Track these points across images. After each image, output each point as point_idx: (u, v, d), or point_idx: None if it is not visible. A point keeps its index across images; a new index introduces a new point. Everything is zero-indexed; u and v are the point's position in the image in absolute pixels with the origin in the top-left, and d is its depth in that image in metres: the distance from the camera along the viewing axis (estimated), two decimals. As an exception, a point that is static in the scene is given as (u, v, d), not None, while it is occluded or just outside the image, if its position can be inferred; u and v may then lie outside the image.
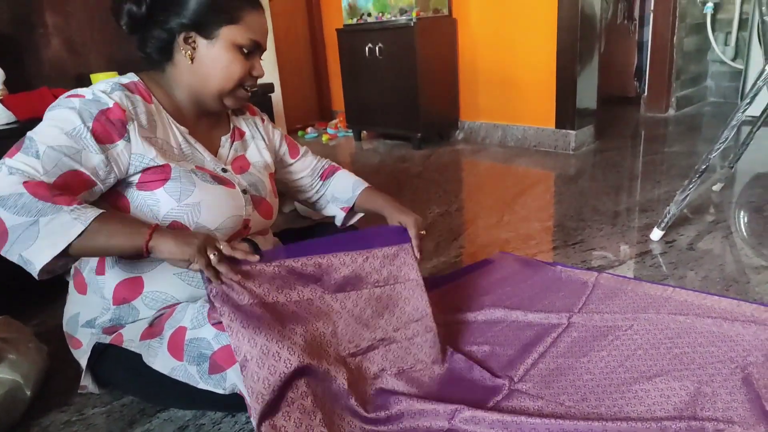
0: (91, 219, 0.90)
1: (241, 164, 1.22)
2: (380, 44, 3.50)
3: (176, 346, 1.01)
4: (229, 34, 1.05)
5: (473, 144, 3.59)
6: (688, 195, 1.80)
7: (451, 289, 1.60)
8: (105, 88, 1.03)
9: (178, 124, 1.11)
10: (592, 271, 1.66)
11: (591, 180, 2.64)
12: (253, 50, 1.10)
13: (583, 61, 3.03)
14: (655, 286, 1.54)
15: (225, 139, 1.22)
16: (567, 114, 3.13)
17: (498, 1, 3.26)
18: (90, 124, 0.97)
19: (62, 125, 0.96)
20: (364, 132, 4.07)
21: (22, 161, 0.93)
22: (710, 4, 3.89)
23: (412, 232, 1.22)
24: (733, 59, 4.00)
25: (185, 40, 1.06)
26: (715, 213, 2.09)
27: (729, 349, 1.24)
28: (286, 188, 1.43)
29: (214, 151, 1.18)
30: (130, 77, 1.09)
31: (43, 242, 0.88)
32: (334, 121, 4.38)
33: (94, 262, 1.13)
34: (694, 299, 1.46)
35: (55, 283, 1.83)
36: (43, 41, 1.98)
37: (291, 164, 1.40)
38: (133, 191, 1.04)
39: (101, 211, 0.93)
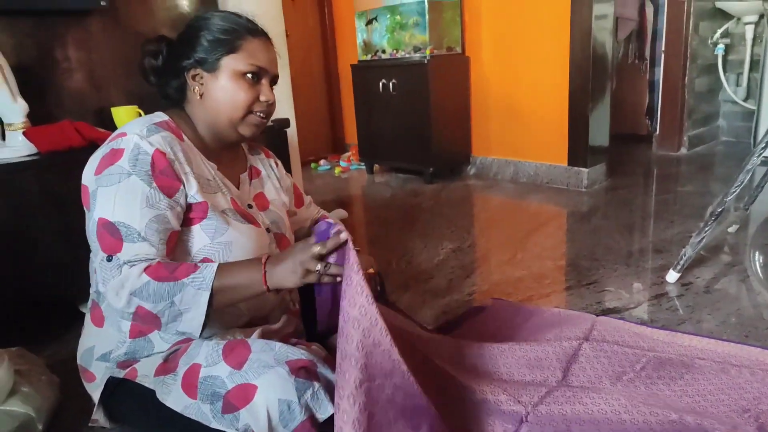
0: (211, 283, 0.96)
1: (262, 202, 1.25)
2: (394, 80, 3.55)
3: (190, 384, 1.00)
4: (230, 63, 1.08)
5: (485, 180, 3.60)
6: (704, 237, 1.79)
7: (448, 341, 1.54)
8: (140, 131, 1.04)
9: (207, 160, 1.14)
10: (592, 315, 1.64)
11: (604, 218, 2.63)
12: (257, 76, 1.11)
13: (595, 99, 3.05)
14: (657, 330, 1.52)
15: (244, 177, 1.24)
16: (579, 151, 3.14)
17: (510, 39, 3.31)
18: (154, 184, 1.01)
19: (136, 199, 1.00)
20: (377, 165, 4.10)
21: (134, 251, 0.99)
22: (721, 46, 3.93)
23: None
24: (745, 99, 4.01)
25: (193, 78, 1.10)
26: (731, 255, 2.07)
27: (739, 397, 1.21)
28: None
29: (236, 186, 1.20)
30: (160, 116, 1.12)
31: (187, 316, 0.97)
32: (346, 154, 4.42)
33: None
34: (696, 343, 1.44)
35: (67, 315, 1.85)
36: (66, 75, 2.03)
37: (296, 213, 1.42)
38: None
39: (214, 269, 0.98)
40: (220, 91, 1.09)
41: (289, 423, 0.93)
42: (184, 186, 1.05)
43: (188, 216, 1.07)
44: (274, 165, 1.35)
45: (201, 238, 1.07)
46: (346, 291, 0.94)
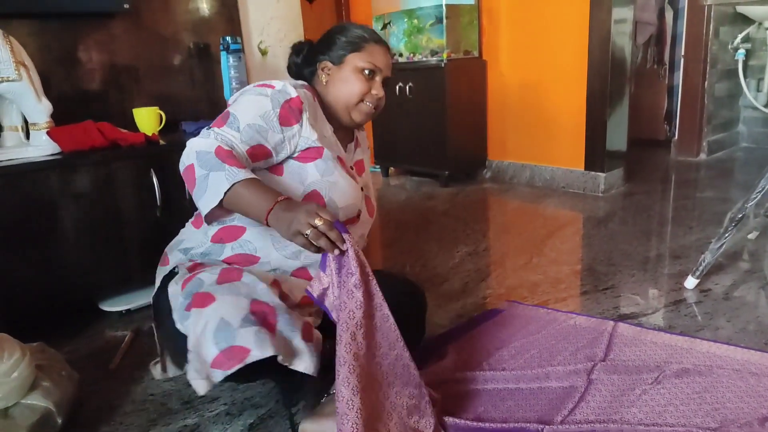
0: (236, 180, 1.06)
1: (359, 167, 1.46)
2: (411, 83, 3.56)
3: (187, 279, 1.17)
4: (353, 59, 1.31)
5: (501, 183, 3.59)
6: (723, 244, 1.77)
7: (463, 344, 1.55)
8: (293, 83, 1.28)
9: (328, 122, 1.34)
10: (608, 320, 1.63)
11: (621, 223, 2.61)
12: (373, 73, 1.31)
13: (613, 103, 3.04)
14: (675, 336, 1.51)
15: (350, 146, 1.44)
16: (597, 156, 3.12)
17: (528, 43, 3.30)
18: (278, 110, 1.20)
19: (258, 108, 1.19)
20: (392, 168, 4.11)
21: (227, 132, 1.16)
22: (742, 51, 3.88)
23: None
24: (766, 105, 3.96)
25: (322, 69, 1.34)
26: (751, 262, 2.04)
27: (759, 405, 1.20)
28: None
29: (343, 152, 1.39)
30: (303, 83, 1.34)
31: (208, 193, 1.08)
32: (362, 157, 4.43)
33: None
34: (715, 350, 1.42)
35: (87, 312, 1.88)
36: (89, 76, 2.06)
37: None
38: (291, 162, 1.25)
39: (251, 176, 1.09)
40: (341, 81, 1.31)
41: (219, 342, 0.98)
42: (300, 127, 1.23)
43: (305, 155, 1.25)
44: (367, 148, 1.56)
45: (314, 174, 1.24)
46: (340, 291, 1.03)
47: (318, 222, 1.00)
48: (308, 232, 1.00)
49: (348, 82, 1.31)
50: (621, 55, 3.01)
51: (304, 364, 1.03)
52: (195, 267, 1.24)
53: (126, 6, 2.00)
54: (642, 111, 4.15)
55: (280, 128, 1.21)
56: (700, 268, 1.81)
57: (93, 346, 1.70)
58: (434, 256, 2.30)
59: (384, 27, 3.84)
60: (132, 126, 1.97)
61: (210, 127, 1.18)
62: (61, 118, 1.78)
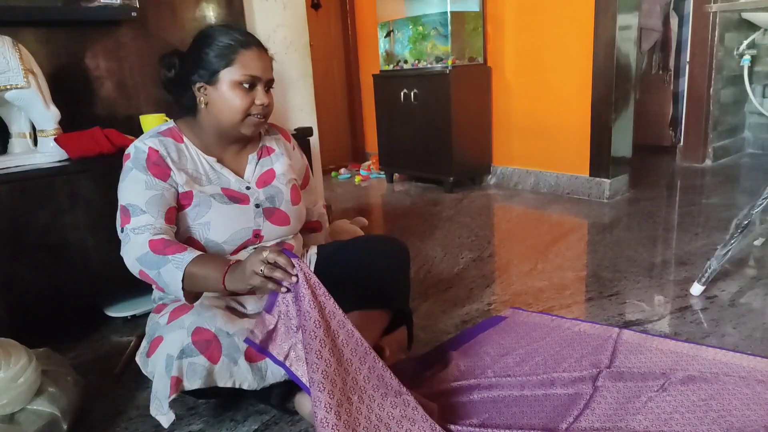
0: (185, 266, 1.12)
1: (266, 178, 1.41)
2: (415, 90, 3.57)
3: (151, 323, 1.29)
4: (227, 75, 1.25)
5: (505, 189, 3.59)
6: (729, 250, 1.77)
7: (468, 350, 1.55)
8: (144, 138, 1.30)
9: (206, 156, 1.34)
10: (614, 327, 1.63)
11: (626, 230, 2.60)
12: (252, 84, 1.26)
13: (618, 109, 3.03)
14: (681, 343, 1.50)
15: (252, 157, 1.41)
16: (601, 162, 3.12)
17: (533, 50, 3.31)
18: (149, 172, 1.24)
19: (136, 184, 1.23)
20: (397, 174, 4.11)
21: (139, 222, 1.20)
22: (747, 57, 3.87)
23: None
24: (772, 111, 3.95)
25: (199, 90, 1.29)
26: (757, 268, 2.03)
27: (765, 413, 1.19)
28: None
29: (241, 171, 1.39)
30: (168, 125, 1.35)
31: (170, 287, 1.15)
32: (367, 163, 4.45)
33: None
34: (721, 357, 1.42)
35: (93, 317, 1.88)
36: (97, 83, 2.08)
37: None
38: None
39: (195, 255, 1.14)
40: (221, 100, 1.27)
41: (169, 373, 1.11)
42: (174, 173, 1.26)
43: (180, 202, 1.28)
44: (290, 147, 1.51)
45: (185, 221, 1.28)
46: (298, 316, 1.07)
47: (266, 253, 1.05)
48: (262, 268, 1.04)
49: (227, 100, 1.26)
50: (626, 62, 3.02)
51: (248, 382, 1.16)
52: (160, 308, 1.34)
53: (133, 14, 2.02)
54: (647, 117, 4.14)
55: (166, 183, 1.25)
56: (706, 274, 1.80)
57: (98, 352, 1.71)
58: (439, 262, 2.30)
59: (387, 35, 3.86)
60: (139, 133, 1.97)
61: (122, 230, 1.22)
62: (68, 125, 1.80)
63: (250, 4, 2.38)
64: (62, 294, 1.70)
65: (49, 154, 1.73)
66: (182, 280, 1.12)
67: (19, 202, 1.59)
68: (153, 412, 1.13)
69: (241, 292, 1.15)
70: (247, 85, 1.25)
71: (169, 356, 1.13)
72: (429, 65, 3.57)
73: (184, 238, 1.28)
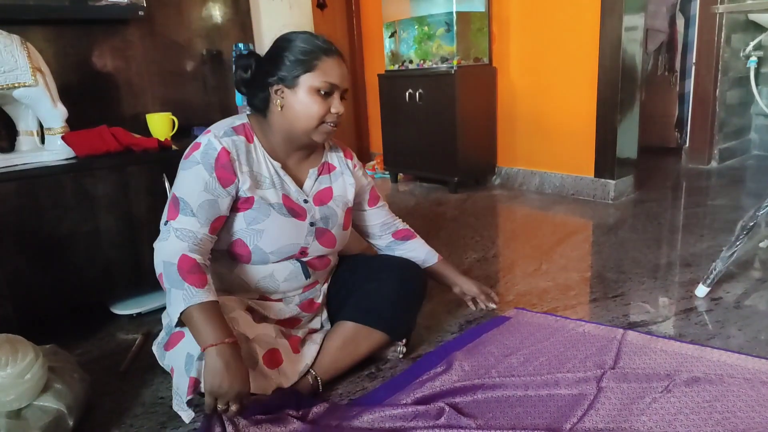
0: (191, 304, 1.13)
1: (323, 197, 1.42)
2: (420, 90, 3.57)
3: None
4: (307, 80, 1.26)
5: (510, 190, 3.59)
6: (734, 252, 1.76)
7: (472, 350, 1.55)
8: (218, 132, 1.28)
9: (272, 159, 1.34)
10: (618, 328, 1.62)
11: (631, 231, 2.60)
12: (330, 91, 1.27)
13: (623, 110, 3.03)
14: (686, 345, 1.50)
15: (312, 172, 1.42)
16: (606, 163, 3.11)
17: (539, 50, 3.31)
18: (214, 175, 1.24)
19: (198, 181, 1.23)
20: (401, 174, 4.11)
21: (184, 224, 1.21)
22: (754, 58, 3.85)
23: (474, 291, 1.60)
24: (778, 113, 3.94)
25: (275, 92, 1.29)
26: (762, 270, 2.03)
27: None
28: (355, 227, 1.60)
29: (300, 182, 1.39)
30: (242, 119, 1.34)
31: (171, 308, 1.16)
32: (371, 163, 4.45)
33: None
34: (726, 359, 1.41)
35: (99, 314, 1.89)
36: (104, 82, 2.09)
37: (365, 210, 1.60)
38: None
39: (205, 300, 1.14)
40: (298, 105, 1.27)
41: (189, 372, 1.14)
42: (238, 180, 1.26)
43: (236, 205, 1.29)
44: (351, 165, 1.51)
45: (240, 223, 1.29)
46: None
47: (234, 407, 1.10)
48: (220, 406, 1.10)
49: (304, 105, 1.26)
50: (632, 63, 3.01)
51: (262, 389, 1.20)
52: None
53: (141, 13, 2.03)
54: (653, 118, 4.14)
55: (225, 191, 1.25)
56: (711, 276, 1.80)
57: (104, 349, 1.72)
58: (443, 263, 2.30)
59: (391, 36, 3.86)
60: (145, 131, 1.99)
61: (167, 221, 1.22)
62: (75, 123, 1.81)
63: (257, 4, 2.39)
64: (69, 291, 1.71)
65: (56, 152, 1.74)
66: (181, 313, 1.14)
67: (27, 199, 1.60)
68: (175, 407, 1.17)
69: (204, 379, 1.13)
70: (324, 92, 1.26)
71: (189, 355, 1.16)
72: (434, 65, 3.57)
73: (231, 242, 1.30)
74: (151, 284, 1.86)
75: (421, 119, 3.63)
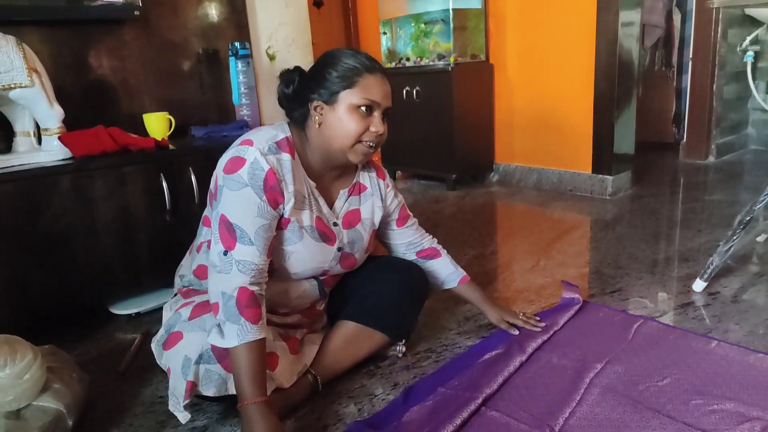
0: (241, 342, 1.11)
1: (351, 219, 1.40)
2: (417, 87, 3.57)
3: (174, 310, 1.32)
4: (347, 97, 1.22)
5: (508, 187, 3.59)
6: (732, 246, 1.77)
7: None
8: (262, 146, 1.21)
9: (308, 179, 1.30)
10: (638, 317, 1.63)
11: (629, 226, 2.60)
12: (370, 109, 1.23)
13: (620, 106, 3.03)
14: (699, 338, 1.50)
15: (343, 192, 1.39)
16: (604, 159, 3.12)
17: (535, 47, 3.31)
18: (264, 198, 1.19)
19: (249, 206, 1.18)
20: (399, 171, 4.12)
21: (245, 254, 1.17)
22: (751, 53, 3.86)
23: (518, 322, 1.57)
24: (775, 107, 3.94)
25: (315, 108, 1.25)
26: (760, 264, 2.03)
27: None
28: (380, 241, 1.60)
29: (331, 202, 1.36)
30: (284, 131, 1.28)
31: (223, 339, 1.14)
32: (369, 161, 4.44)
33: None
34: (735, 354, 1.42)
35: (97, 314, 1.89)
36: (100, 83, 2.09)
37: (394, 229, 1.55)
38: None
39: (257, 338, 1.13)
40: (336, 122, 1.22)
41: (186, 376, 1.15)
42: (285, 202, 1.23)
43: (278, 223, 1.26)
44: (383, 186, 1.47)
45: (274, 241, 1.25)
46: None
47: None
48: None
49: (343, 122, 1.21)
50: (628, 58, 3.01)
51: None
52: (189, 293, 1.38)
53: (136, 13, 2.02)
54: (650, 114, 4.14)
55: (276, 212, 1.22)
56: (709, 270, 1.80)
57: (103, 349, 1.72)
58: (441, 260, 2.30)
59: (384, 34, 3.86)
60: (142, 131, 1.99)
61: (226, 251, 1.17)
62: (72, 123, 1.80)
63: (252, 2, 2.39)
64: (67, 291, 1.71)
65: (53, 152, 1.74)
66: (230, 348, 1.12)
67: (24, 200, 1.60)
68: (171, 408, 1.17)
69: (244, 424, 1.11)
70: (364, 109, 1.22)
71: (186, 358, 1.16)
72: (431, 62, 3.57)
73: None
74: (150, 284, 1.87)
75: (419, 117, 3.63)
